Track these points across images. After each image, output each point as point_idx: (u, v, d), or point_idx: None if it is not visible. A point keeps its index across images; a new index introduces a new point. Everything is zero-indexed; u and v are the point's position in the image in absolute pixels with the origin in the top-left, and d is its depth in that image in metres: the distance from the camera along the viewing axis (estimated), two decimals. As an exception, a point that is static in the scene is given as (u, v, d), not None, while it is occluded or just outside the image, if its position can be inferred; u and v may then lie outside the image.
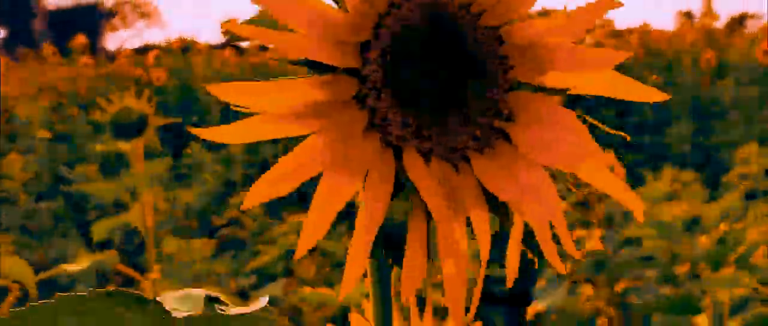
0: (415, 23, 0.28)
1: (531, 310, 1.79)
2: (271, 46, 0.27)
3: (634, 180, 3.68)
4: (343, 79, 0.27)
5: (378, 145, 0.29)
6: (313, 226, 0.27)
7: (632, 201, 0.31)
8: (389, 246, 0.31)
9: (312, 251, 0.46)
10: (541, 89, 0.30)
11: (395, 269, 0.34)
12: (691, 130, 5.17)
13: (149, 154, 5.37)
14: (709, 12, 10.06)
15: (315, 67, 0.28)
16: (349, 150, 0.27)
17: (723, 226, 1.54)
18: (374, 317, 0.35)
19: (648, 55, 7.60)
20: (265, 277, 2.68)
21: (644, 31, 8.69)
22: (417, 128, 0.29)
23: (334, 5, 0.28)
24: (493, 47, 0.30)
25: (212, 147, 6.22)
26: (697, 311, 1.19)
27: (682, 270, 1.58)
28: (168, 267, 2.28)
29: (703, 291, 1.35)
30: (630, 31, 9.77)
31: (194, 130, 0.28)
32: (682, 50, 7.45)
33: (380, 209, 0.28)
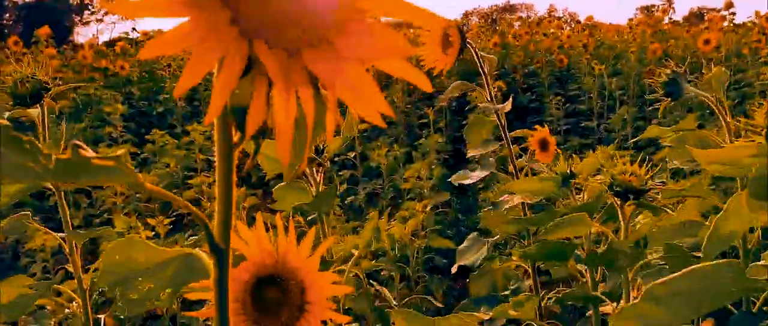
0: None
1: (454, 268, 1.94)
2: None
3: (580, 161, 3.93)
4: None
5: (237, 33, 0.40)
6: (187, 77, 0.38)
7: (418, 77, 0.43)
8: (236, 117, 0.45)
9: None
10: (354, 8, 0.41)
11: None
12: (634, 115, 5.43)
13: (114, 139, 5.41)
14: (667, 6, 10.37)
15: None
16: (218, 33, 0.39)
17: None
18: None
19: (599, 47, 7.91)
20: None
21: (594, 25, 9.01)
22: (262, 27, 0.40)
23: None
24: None
25: (174, 134, 6.34)
26: (569, 257, 1.39)
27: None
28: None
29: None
30: (586, 24, 10.10)
31: (104, 4, 0.40)
32: (629, 42, 7.76)
33: (235, 75, 0.39)
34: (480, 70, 1.82)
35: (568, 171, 1.41)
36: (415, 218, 2.73)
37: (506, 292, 2.02)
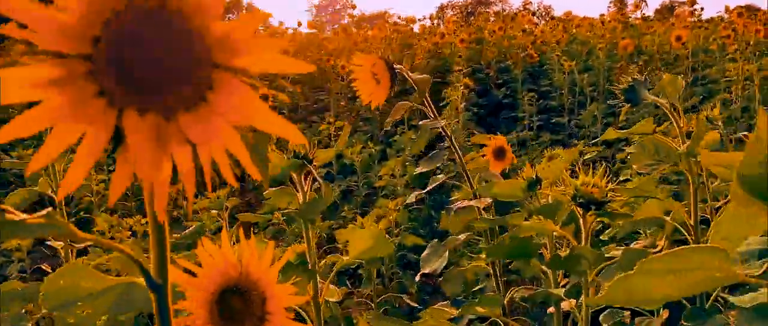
0: (137, 24, 0.39)
1: (417, 276, 1.99)
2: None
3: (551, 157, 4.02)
4: (77, 61, 0.39)
5: (104, 105, 0.40)
6: (42, 154, 0.39)
7: (293, 135, 0.45)
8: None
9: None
10: (231, 69, 0.43)
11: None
12: (604, 111, 5.54)
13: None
14: (639, 1, 10.52)
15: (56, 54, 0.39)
16: (83, 108, 0.39)
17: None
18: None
19: (571, 42, 8.03)
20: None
21: (568, 19, 9.13)
22: (137, 97, 0.40)
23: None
24: (200, 40, 0.41)
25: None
26: (532, 255, 1.46)
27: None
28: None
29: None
30: (561, 18, 10.22)
31: None
32: (601, 37, 7.88)
33: (99, 148, 0.40)
34: (417, 91, 1.86)
35: (534, 176, 1.48)
36: (388, 217, 2.79)
37: (475, 288, 2.10)
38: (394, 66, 1.76)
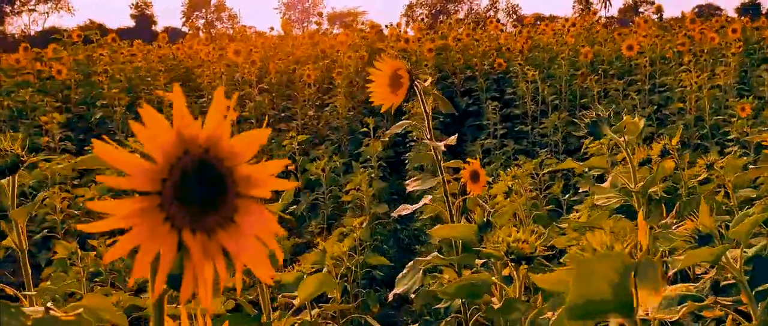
0: (192, 166, 0.54)
1: (390, 296, 2.07)
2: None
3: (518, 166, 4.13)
4: (152, 197, 0.53)
5: (169, 228, 0.55)
6: (139, 264, 0.54)
7: (265, 278, 0.59)
8: (172, 283, 0.59)
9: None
10: (250, 197, 0.58)
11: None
12: (565, 120, 5.68)
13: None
14: (604, 0, 10.68)
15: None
16: (154, 231, 0.54)
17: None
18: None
19: (535, 48, 8.19)
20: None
21: (533, 23, 9.30)
22: (190, 219, 0.56)
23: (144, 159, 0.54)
24: (230, 176, 0.56)
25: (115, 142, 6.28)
26: (480, 295, 1.54)
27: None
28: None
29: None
30: (526, 23, 10.39)
31: (80, 226, 0.52)
32: (563, 44, 8.05)
33: (169, 260, 0.55)
34: (422, 108, 1.95)
35: (485, 219, 1.57)
36: (352, 235, 2.87)
37: (440, 306, 2.19)
38: (415, 78, 1.84)
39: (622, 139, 1.74)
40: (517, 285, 1.31)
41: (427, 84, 1.98)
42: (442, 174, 2.00)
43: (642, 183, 1.75)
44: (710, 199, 2.07)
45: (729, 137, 4.65)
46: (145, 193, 0.53)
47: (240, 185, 0.57)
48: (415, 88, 1.88)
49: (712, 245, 1.29)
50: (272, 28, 12.02)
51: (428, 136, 2.03)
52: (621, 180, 1.83)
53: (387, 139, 5.70)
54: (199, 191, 0.55)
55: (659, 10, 8.23)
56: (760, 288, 1.21)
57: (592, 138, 1.76)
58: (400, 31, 9.49)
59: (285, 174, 4.97)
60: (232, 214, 0.56)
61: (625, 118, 1.80)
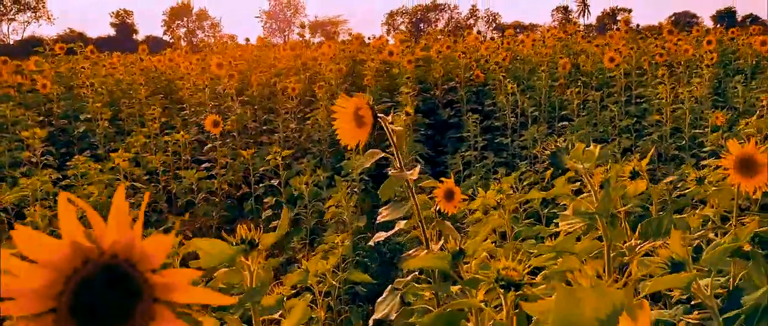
0: (95, 275, 0.50)
1: (370, 322, 2.11)
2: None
3: (497, 180, 4.20)
4: (47, 316, 0.50)
5: None
6: None
7: None
8: None
9: None
10: (167, 302, 0.54)
11: None
12: (544, 133, 5.76)
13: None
14: (583, 9, 10.84)
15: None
16: None
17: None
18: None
19: (514, 59, 8.30)
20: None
21: (513, 35, 9.41)
22: None
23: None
24: (145, 282, 0.53)
25: (96, 156, 6.28)
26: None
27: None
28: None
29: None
30: (505, 34, 10.51)
31: None
32: (543, 56, 8.16)
33: None
34: (390, 141, 1.99)
35: (458, 248, 1.62)
36: (335, 254, 2.91)
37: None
38: (378, 114, 1.87)
39: (581, 166, 1.81)
40: (505, 310, 1.36)
41: (406, 107, 2.03)
42: (415, 201, 2.05)
43: (597, 204, 1.81)
44: (681, 222, 2.14)
45: (704, 149, 4.76)
46: (37, 315, 0.50)
47: (157, 290, 0.53)
48: (381, 121, 1.92)
49: (686, 271, 1.37)
50: (248, 40, 12.04)
51: (398, 166, 2.08)
52: (584, 205, 1.90)
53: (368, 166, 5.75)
54: (102, 300, 0.51)
55: (628, 22, 8.35)
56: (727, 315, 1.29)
57: (553, 167, 1.84)
58: (381, 44, 9.56)
59: (270, 188, 5.02)
60: (147, 322, 0.53)
61: (577, 145, 1.87)
